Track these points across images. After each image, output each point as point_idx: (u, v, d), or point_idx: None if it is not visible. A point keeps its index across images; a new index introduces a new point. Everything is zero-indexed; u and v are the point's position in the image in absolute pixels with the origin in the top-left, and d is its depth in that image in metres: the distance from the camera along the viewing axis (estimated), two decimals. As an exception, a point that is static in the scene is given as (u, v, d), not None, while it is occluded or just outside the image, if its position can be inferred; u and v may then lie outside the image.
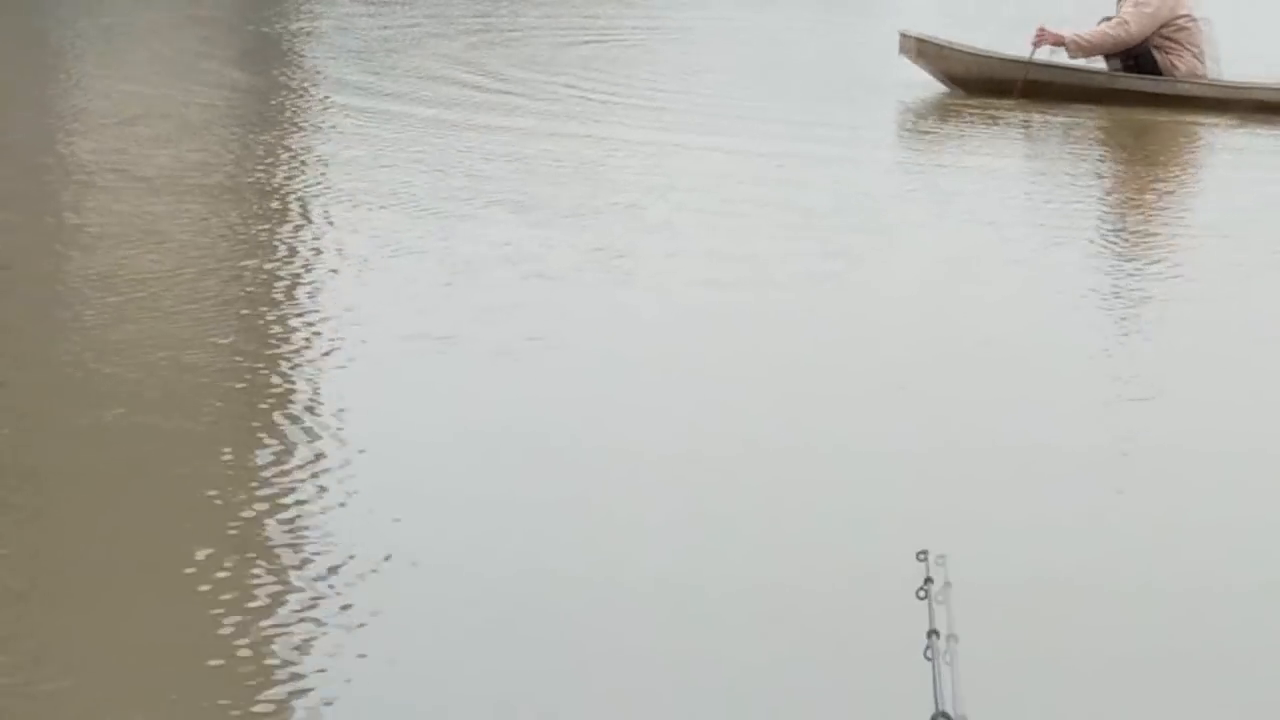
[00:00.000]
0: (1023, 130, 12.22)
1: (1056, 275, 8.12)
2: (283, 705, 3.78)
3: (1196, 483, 5.47)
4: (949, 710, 2.83)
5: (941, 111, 12.82)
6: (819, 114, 12.43)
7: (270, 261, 7.56)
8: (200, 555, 4.47)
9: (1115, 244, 8.97)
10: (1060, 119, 12.44)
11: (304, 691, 3.84)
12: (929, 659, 2.94)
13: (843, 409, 5.93)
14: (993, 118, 12.44)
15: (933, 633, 3.01)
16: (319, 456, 5.20)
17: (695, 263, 7.85)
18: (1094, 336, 7.13)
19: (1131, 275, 8.25)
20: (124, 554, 4.56)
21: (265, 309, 6.87)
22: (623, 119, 11.73)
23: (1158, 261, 8.54)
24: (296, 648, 4.01)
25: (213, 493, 4.91)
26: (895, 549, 4.41)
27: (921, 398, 6.09)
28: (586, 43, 15.83)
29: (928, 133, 12.56)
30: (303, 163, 9.85)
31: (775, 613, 4.36)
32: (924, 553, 3.20)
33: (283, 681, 3.87)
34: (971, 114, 12.59)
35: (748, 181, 9.86)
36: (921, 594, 3.12)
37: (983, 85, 13.07)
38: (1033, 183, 10.69)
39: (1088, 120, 12.46)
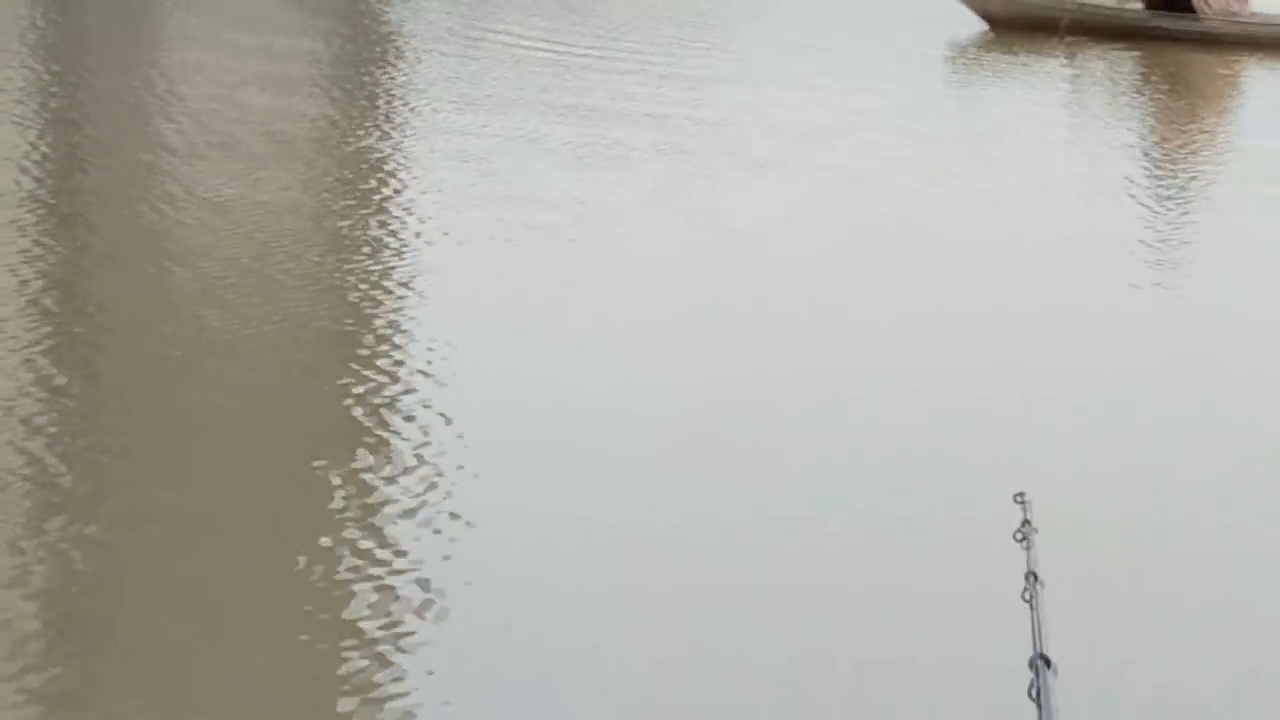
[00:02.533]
0: (1057, 71, 12.17)
1: (1099, 216, 8.11)
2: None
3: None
4: (1047, 653, 2.80)
5: (980, 52, 12.75)
6: (859, 60, 12.33)
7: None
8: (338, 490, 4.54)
9: (1157, 185, 8.94)
10: (1095, 59, 12.38)
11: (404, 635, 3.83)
12: (1027, 600, 2.91)
13: (899, 354, 5.94)
14: (1029, 58, 12.37)
15: (1030, 575, 2.97)
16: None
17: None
18: (1146, 274, 7.14)
19: (1174, 215, 8.25)
20: (260, 502, 4.56)
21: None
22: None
23: (1196, 200, 8.53)
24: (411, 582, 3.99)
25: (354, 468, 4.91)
26: (978, 489, 4.44)
27: (981, 344, 6.11)
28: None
29: (962, 73, 12.50)
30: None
31: (860, 551, 4.34)
32: (1021, 495, 3.15)
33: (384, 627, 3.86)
34: (1007, 54, 12.53)
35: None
36: (1019, 537, 3.08)
37: (1019, 24, 13.00)
38: (1069, 123, 10.64)
39: (1122, 60, 12.40)
